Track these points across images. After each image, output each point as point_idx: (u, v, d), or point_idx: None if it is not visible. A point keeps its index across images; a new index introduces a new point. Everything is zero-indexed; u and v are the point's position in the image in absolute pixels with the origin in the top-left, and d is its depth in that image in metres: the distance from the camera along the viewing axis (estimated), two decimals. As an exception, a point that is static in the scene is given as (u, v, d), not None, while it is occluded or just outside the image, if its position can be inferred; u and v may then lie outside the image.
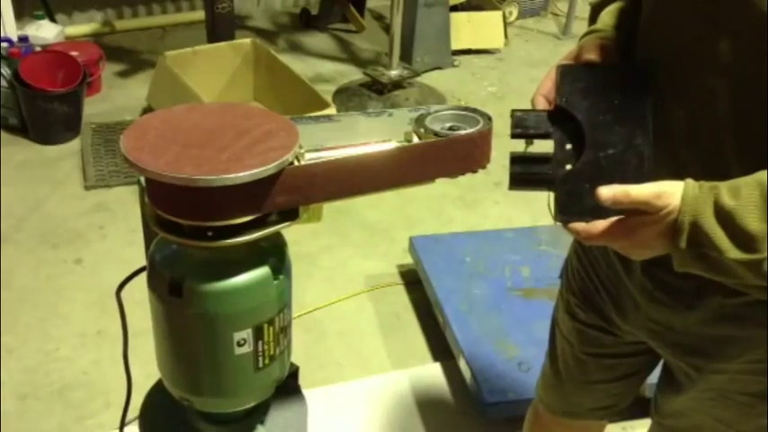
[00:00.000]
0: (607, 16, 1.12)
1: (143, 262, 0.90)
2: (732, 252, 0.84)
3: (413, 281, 2.57)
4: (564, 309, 1.32)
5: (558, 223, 0.92)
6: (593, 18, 1.15)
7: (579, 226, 0.90)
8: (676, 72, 0.97)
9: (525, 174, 0.94)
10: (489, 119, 0.93)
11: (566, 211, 0.91)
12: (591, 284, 1.24)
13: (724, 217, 0.84)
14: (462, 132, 0.91)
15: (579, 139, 0.94)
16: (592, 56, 1.02)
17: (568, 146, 0.95)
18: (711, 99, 0.93)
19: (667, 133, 0.96)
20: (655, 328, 1.13)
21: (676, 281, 1.05)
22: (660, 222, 0.87)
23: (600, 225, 0.89)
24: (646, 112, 0.95)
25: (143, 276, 0.89)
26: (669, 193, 0.87)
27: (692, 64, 0.94)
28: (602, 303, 1.22)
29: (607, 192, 0.86)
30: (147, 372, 0.99)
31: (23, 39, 3.46)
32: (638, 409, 1.43)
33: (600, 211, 0.88)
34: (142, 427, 0.99)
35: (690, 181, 0.87)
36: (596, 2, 1.17)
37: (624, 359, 1.28)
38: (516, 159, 0.94)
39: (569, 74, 1.00)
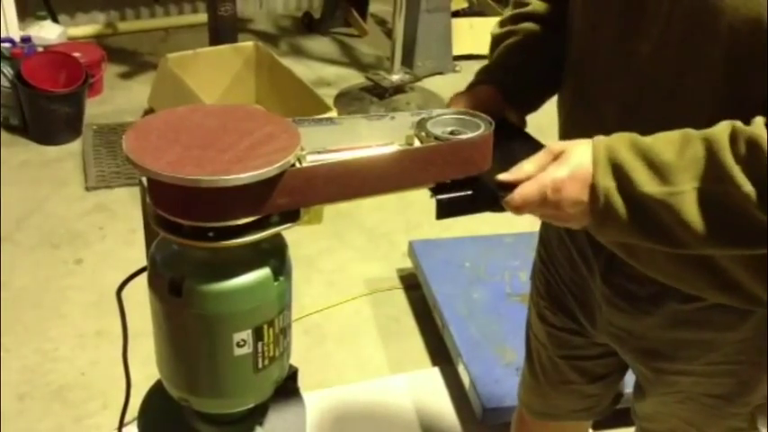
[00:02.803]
0: (505, 54, 1.14)
1: (143, 263, 0.90)
2: (648, 185, 0.82)
3: (412, 285, 2.57)
4: (535, 312, 1.33)
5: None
6: (493, 50, 1.17)
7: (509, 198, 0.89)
8: (602, 72, 0.98)
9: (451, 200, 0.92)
10: (490, 123, 0.93)
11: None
12: (557, 287, 1.24)
13: (640, 148, 0.83)
14: (463, 137, 0.91)
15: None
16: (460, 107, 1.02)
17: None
18: (638, 98, 0.94)
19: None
20: (616, 332, 1.14)
21: (634, 287, 1.06)
22: (571, 162, 0.85)
23: (524, 187, 0.87)
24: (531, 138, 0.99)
25: (143, 277, 0.89)
26: (563, 142, 0.88)
27: (618, 64, 0.95)
28: (569, 305, 1.22)
29: (504, 174, 0.88)
30: (147, 372, 0.99)
31: (26, 39, 3.46)
32: (622, 417, 1.43)
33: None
34: (141, 427, 0.99)
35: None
36: (497, 33, 1.17)
37: (597, 360, 1.28)
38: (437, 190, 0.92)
39: None
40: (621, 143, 0.85)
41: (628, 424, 1.32)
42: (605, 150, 0.85)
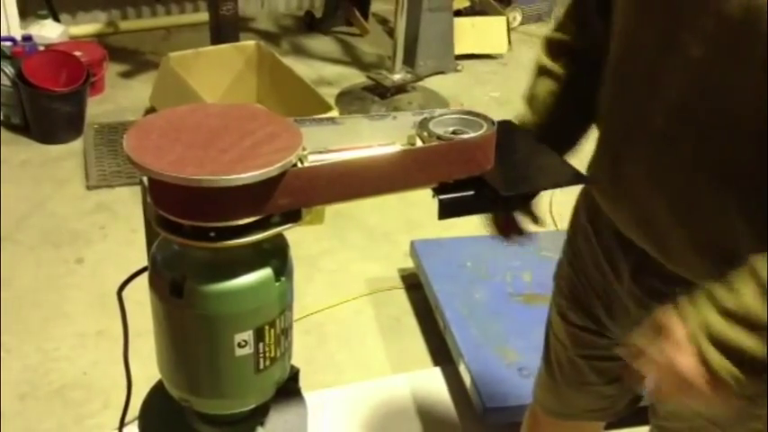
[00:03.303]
0: (539, 107, 1.17)
1: (144, 262, 0.89)
2: (759, 348, 0.83)
3: (414, 285, 2.57)
4: (556, 311, 1.33)
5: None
6: (534, 81, 1.20)
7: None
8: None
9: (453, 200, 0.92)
10: (493, 123, 0.93)
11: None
12: (581, 288, 1.25)
13: (734, 315, 0.84)
14: (466, 136, 0.91)
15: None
16: None
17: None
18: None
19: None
20: None
21: (665, 287, 1.06)
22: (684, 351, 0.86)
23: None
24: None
25: (144, 277, 0.89)
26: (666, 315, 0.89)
27: (664, 63, 0.95)
28: (593, 306, 1.23)
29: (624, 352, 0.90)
30: (147, 372, 0.99)
31: (27, 38, 3.47)
32: (634, 418, 1.43)
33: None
34: (141, 427, 0.99)
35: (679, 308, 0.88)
36: (531, 93, 1.20)
37: (616, 361, 1.28)
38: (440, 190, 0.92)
39: None
40: (712, 316, 0.85)
41: (640, 423, 1.32)
42: (702, 331, 0.85)
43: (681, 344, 0.86)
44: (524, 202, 1.20)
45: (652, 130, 0.96)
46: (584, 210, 1.24)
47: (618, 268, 1.13)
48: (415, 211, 2.91)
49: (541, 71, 1.20)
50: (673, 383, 0.88)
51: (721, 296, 0.86)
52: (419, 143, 0.91)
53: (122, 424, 1.07)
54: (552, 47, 1.20)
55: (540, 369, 1.45)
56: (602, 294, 1.20)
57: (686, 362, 0.86)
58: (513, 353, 2.10)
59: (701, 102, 0.92)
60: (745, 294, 0.84)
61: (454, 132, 0.92)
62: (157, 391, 0.98)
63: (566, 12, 1.20)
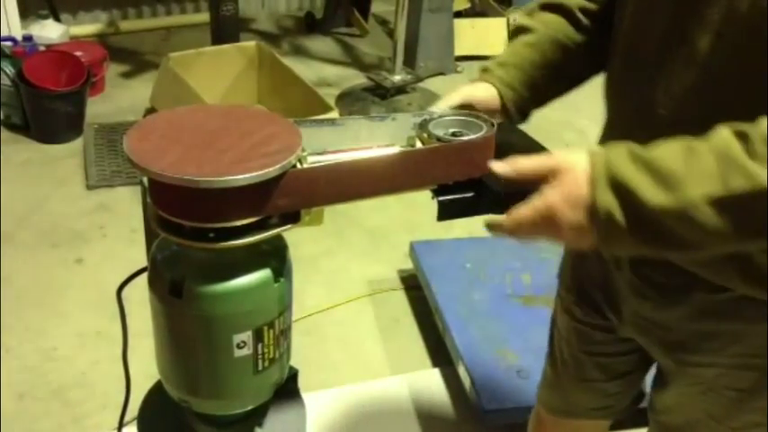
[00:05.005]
0: (511, 53, 1.14)
1: (144, 262, 0.90)
2: (656, 198, 0.80)
3: (413, 286, 2.57)
4: (562, 307, 1.34)
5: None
6: (510, 41, 1.17)
7: (499, 218, 0.89)
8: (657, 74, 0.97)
9: (453, 201, 0.92)
10: (492, 125, 0.93)
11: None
12: (584, 280, 1.25)
13: (643, 160, 0.82)
14: (465, 138, 0.91)
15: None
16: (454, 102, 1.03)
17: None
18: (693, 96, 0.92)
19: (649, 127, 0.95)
20: (642, 323, 1.14)
21: (663, 278, 1.06)
22: (566, 183, 0.85)
23: (517, 212, 0.87)
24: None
25: (143, 277, 0.89)
26: (562, 153, 0.87)
27: (673, 49, 0.94)
28: (596, 299, 1.23)
29: (500, 164, 0.88)
30: (146, 373, 0.99)
31: (28, 38, 3.47)
32: (636, 418, 1.43)
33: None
34: (140, 428, 0.99)
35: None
36: (518, 24, 1.17)
37: (619, 357, 1.29)
38: (439, 191, 0.92)
39: None
40: (621, 157, 0.83)
41: (642, 425, 1.32)
42: (604, 167, 0.83)
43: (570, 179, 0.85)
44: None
45: (658, 116, 0.95)
46: None
47: (618, 258, 1.13)
48: (415, 212, 2.91)
49: (520, 30, 1.16)
50: (531, 213, 0.87)
51: (635, 145, 0.84)
52: (419, 145, 0.91)
53: (121, 424, 1.07)
54: (539, 6, 1.17)
55: (544, 369, 1.45)
56: (603, 285, 1.20)
57: (554, 194, 0.85)
58: (512, 354, 2.10)
59: (707, 93, 0.92)
60: (661, 147, 0.83)
61: (454, 134, 0.92)
62: (156, 392, 0.99)
63: None
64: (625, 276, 1.12)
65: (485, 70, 1.12)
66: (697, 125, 0.85)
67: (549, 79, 1.13)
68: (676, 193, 0.80)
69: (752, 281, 0.98)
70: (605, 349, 1.28)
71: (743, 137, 0.79)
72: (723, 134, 0.81)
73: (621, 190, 0.82)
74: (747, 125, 0.80)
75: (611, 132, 1.11)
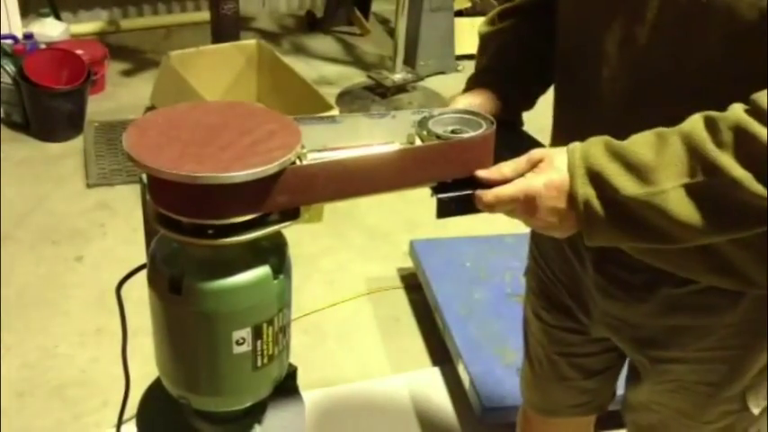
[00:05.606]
0: (497, 57, 1.15)
1: (143, 260, 0.90)
2: (629, 188, 0.83)
3: (413, 284, 2.57)
4: (530, 310, 1.34)
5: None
6: (483, 50, 1.18)
7: (482, 192, 0.90)
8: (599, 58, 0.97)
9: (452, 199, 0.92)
10: (492, 123, 0.93)
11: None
12: (550, 284, 1.25)
13: (616, 151, 0.84)
14: (465, 136, 0.91)
15: None
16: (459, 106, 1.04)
17: None
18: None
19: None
20: (611, 322, 1.15)
21: (627, 275, 1.07)
22: (547, 171, 0.87)
23: (500, 188, 0.89)
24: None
25: (143, 275, 0.89)
26: (542, 150, 0.90)
27: (611, 51, 0.95)
28: (564, 301, 1.23)
29: (482, 171, 0.90)
30: (146, 370, 0.99)
31: (28, 36, 3.47)
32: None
33: None
34: (140, 425, 0.99)
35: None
36: (485, 32, 1.18)
37: (593, 357, 1.29)
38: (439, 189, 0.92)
39: None
40: (596, 148, 0.86)
41: (612, 428, 1.32)
42: (581, 158, 0.86)
43: (550, 169, 0.88)
44: None
45: (603, 115, 0.95)
46: None
47: (582, 257, 1.13)
48: (415, 210, 2.91)
49: (492, 36, 1.18)
50: (512, 192, 0.89)
51: (611, 139, 0.86)
52: (418, 142, 0.91)
53: (121, 421, 1.07)
54: (499, 15, 1.18)
55: (523, 366, 1.46)
56: (570, 286, 1.20)
57: (537, 179, 0.88)
58: (511, 353, 2.10)
59: (650, 86, 0.92)
60: (636, 138, 0.85)
61: (453, 132, 0.92)
62: (156, 389, 0.99)
63: None
64: (590, 276, 1.13)
65: (473, 78, 1.13)
66: (643, 126, 0.86)
67: (531, 77, 1.14)
68: (648, 182, 0.82)
69: (715, 271, 0.98)
70: (579, 350, 1.28)
71: (712, 125, 0.80)
72: (693, 122, 0.82)
73: (597, 180, 0.85)
74: (719, 113, 0.81)
75: (558, 134, 1.12)
